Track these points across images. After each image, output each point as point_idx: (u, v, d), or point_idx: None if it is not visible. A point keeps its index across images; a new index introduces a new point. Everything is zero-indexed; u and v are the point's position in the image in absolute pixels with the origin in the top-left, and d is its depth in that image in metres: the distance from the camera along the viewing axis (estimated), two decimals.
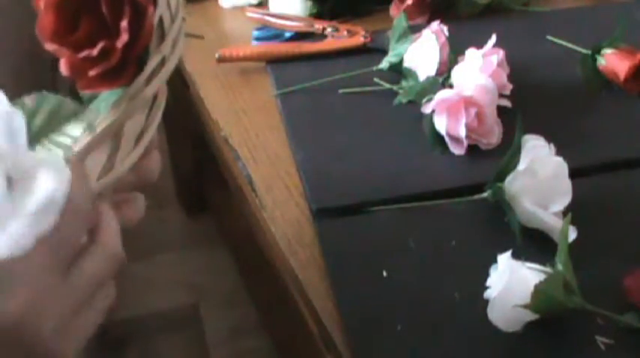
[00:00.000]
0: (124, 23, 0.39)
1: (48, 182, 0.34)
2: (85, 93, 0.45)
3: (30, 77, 0.68)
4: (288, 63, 0.87)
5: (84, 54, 0.40)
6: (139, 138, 0.43)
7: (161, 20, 0.44)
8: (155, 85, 0.42)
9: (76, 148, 0.40)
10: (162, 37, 0.43)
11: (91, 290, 0.37)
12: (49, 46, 0.41)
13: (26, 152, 0.35)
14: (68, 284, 0.36)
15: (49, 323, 0.34)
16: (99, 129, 0.41)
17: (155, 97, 0.43)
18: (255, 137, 0.75)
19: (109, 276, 0.39)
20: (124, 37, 0.39)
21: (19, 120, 0.34)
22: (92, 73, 0.40)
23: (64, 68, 0.42)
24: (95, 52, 0.40)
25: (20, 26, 0.69)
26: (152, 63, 0.42)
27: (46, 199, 0.33)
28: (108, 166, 0.41)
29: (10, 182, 0.33)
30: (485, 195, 0.61)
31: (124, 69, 0.41)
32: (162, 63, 0.43)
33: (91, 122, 0.42)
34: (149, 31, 0.40)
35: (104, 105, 0.43)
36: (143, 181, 0.45)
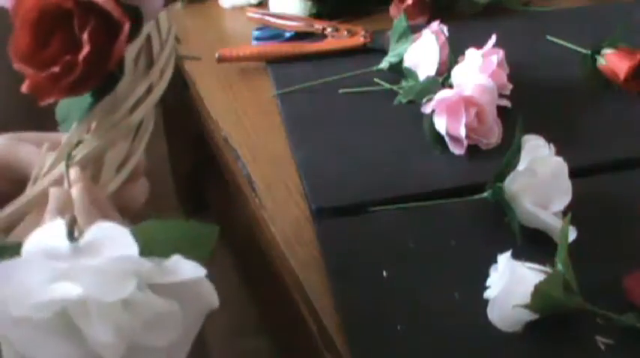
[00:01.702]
0: (86, 35, 0.38)
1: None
2: (60, 114, 0.44)
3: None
4: (288, 63, 0.87)
5: (48, 72, 0.39)
6: (122, 165, 0.42)
7: (150, 47, 0.43)
8: (141, 113, 0.41)
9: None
10: (150, 64, 0.43)
11: None
12: (17, 65, 0.40)
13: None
14: None
15: None
16: (77, 158, 0.41)
17: (140, 123, 0.43)
18: (255, 137, 0.75)
19: None
20: (85, 49, 0.38)
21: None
22: (56, 89, 0.39)
23: (25, 87, 0.40)
24: (58, 69, 0.39)
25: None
26: (138, 90, 0.41)
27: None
28: None
29: None
30: (485, 195, 0.61)
31: (86, 81, 0.40)
32: (149, 90, 0.42)
33: (69, 151, 0.41)
34: (121, 46, 0.39)
35: (75, 115, 0.43)
36: (126, 207, 0.43)
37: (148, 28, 0.43)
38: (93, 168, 0.42)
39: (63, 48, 0.39)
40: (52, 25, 0.39)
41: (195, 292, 0.34)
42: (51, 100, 0.41)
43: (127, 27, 0.39)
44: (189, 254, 0.33)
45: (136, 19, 0.40)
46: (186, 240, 0.36)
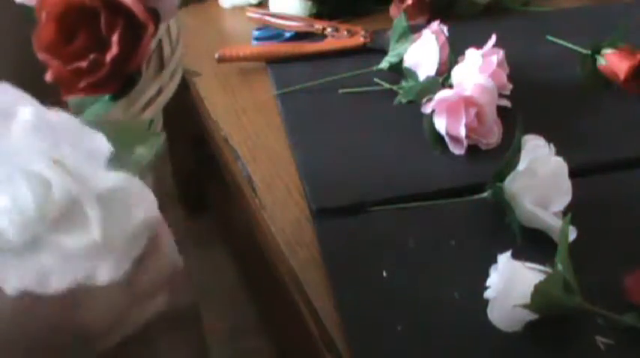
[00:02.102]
0: (115, 37, 0.39)
1: (143, 207, 0.34)
2: (73, 100, 0.45)
3: (30, 73, 0.68)
4: (288, 63, 0.87)
5: (73, 66, 0.40)
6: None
7: (161, 50, 0.43)
8: (151, 113, 0.42)
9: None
10: (161, 66, 0.43)
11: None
12: (41, 55, 0.41)
13: (107, 173, 0.35)
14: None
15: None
16: None
17: (150, 124, 0.43)
18: (254, 137, 0.75)
19: (165, 282, 0.40)
20: (114, 50, 0.39)
21: (100, 140, 0.34)
22: (81, 85, 0.40)
23: (49, 76, 0.41)
24: (85, 64, 0.40)
25: (19, 21, 0.69)
26: (149, 91, 0.42)
27: (144, 224, 0.34)
28: None
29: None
30: (485, 195, 0.61)
31: (110, 81, 0.41)
32: (159, 92, 0.43)
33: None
34: (145, 48, 0.40)
35: (91, 114, 0.43)
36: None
37: (159, 31, 0.44)
38: None
39: (88, 44, 0.40)
40: (78, 21, 0.40)
41: (124, 204, 0.33)
42: (74, 97, 0.41)
43: (151, 28, 0.39)
44: (131, 149, 0.34)
45: (155, 20, 0.41)
46: (131, 137, 0.37)
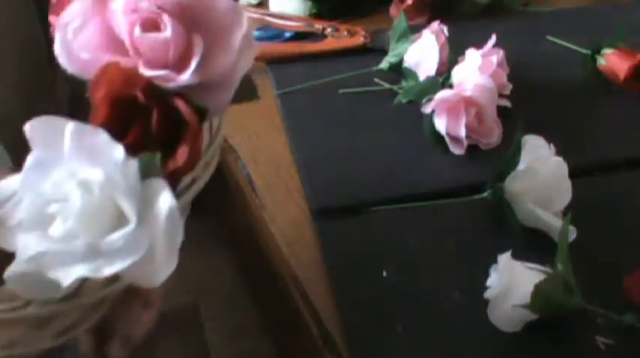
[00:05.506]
0: (183, 150, 0.38)
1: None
2: None
3: (31, 72, 0.68)
4: (288, 63, 0.87)
5: None
6: None
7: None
8: (180, 204, 0.41)
9: None
10: (198, 156, 0.42)
11: None
12: None
13: None
14: None
15: None
16: None
17: None
18: (255, 137, 0.75)
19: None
20: (179, 162, 0.38)
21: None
22: None
23: None
24: None
25: (18, 20, 0.69)
26: (183, 183, 0.41)
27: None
28: None
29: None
30: (485, 195, 0.61)
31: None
32: (192, 183, 0.42)
33: None
34: (195, 160, 0.40)
35: None
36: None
37: None
38: None
39: (140, 141, 0.39)
40: (130, 113, 0.39)
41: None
42: None
43: (201, 137, 0.39)
44: None
45: (202, 117, 0.41)
46: None
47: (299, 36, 0.93)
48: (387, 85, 0.80)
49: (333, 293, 0.56)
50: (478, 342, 0.52)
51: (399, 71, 0.79)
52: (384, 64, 0.81)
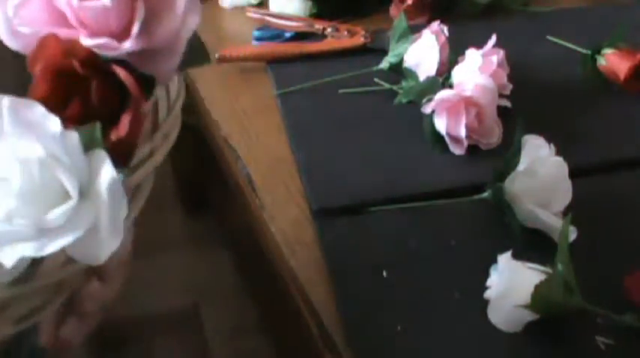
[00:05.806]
0: (127, 118, 0.37)
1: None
2: None
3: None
4: (288, 63, 0.87)
5: None
6: None
7: (156, 111, 0.42)
8: (139, 176, 0.40)
9: None
10: (155, 128, 0.41)
11: None
12: None
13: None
14: None
15: None
16: None
17: (138, 187, 0.41)
18: (255, 137, 0.75)
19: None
20: (121, 132, 0.37)
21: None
22: None
23: None
24: None
25: None
26: (140, 153, 0.40)
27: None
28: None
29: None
30: (485, 195, 0.61)
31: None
32: (150, 155, 0.41)
33: None
34: (138, 129, 0.38)
35: None
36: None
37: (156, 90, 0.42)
38: None
39: (81, 112, 0.38)
40: (70, 85, 0.38)
41: None
42: None
43: (145, 105, 0.38)
44: None
45: (149, 85, 0.40)
46: None
47: (299, 36, 0.93)
48: (387, 85, 0.80)
49: (333, 293, 0.56)
50: (478, 342, 0.52)
51: (399, 71, 0.79)
52: (384, 64, 0.81)
